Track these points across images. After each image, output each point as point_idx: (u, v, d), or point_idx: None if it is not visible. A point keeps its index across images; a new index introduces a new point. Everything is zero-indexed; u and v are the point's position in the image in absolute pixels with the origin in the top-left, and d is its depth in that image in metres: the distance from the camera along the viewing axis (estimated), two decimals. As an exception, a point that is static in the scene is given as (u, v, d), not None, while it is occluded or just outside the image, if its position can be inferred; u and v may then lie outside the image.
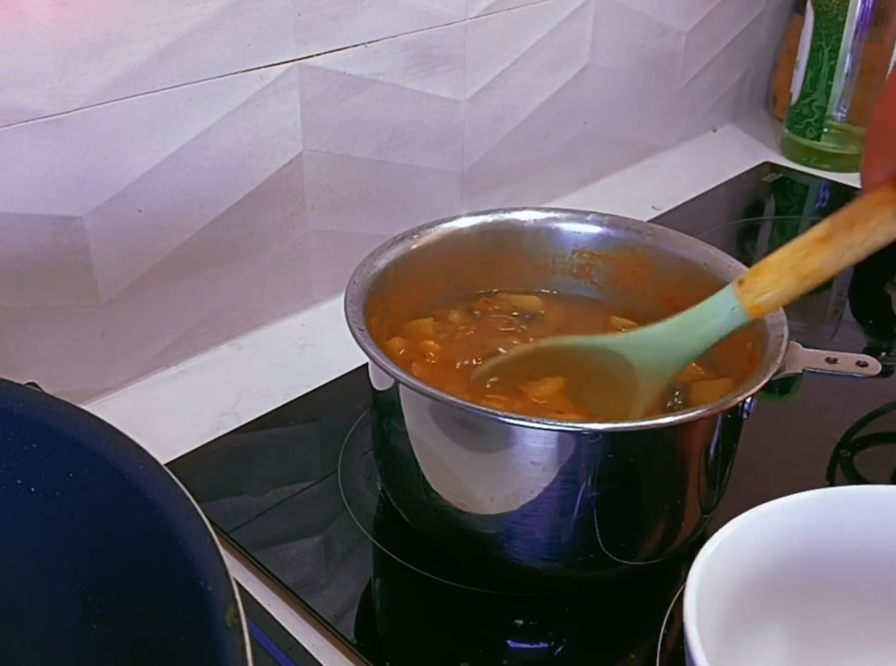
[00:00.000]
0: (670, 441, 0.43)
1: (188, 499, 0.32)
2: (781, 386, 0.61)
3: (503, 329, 0.54)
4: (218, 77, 0.58)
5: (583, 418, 0.46)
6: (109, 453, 0.34)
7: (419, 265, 0.52)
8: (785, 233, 0.88)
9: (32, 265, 0.54)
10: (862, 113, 0.93)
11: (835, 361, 0.47)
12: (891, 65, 0.90)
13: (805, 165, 0.97)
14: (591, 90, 0.86)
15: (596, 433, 0.41)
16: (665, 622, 0.45)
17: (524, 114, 0.81)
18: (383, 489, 0.53)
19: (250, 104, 0.60)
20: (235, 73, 0.59)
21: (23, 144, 0.51)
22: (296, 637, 0.44)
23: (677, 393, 0.48)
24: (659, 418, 0.40)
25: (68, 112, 0.52)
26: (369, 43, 0.65)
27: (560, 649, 0.45)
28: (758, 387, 0.41)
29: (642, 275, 0.54)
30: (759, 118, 1.10)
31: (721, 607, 0.37)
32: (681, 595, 0.38)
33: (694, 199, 0.89)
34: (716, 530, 0.38)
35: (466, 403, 0.40)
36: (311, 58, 0.62)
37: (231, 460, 0.56)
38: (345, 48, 0.64)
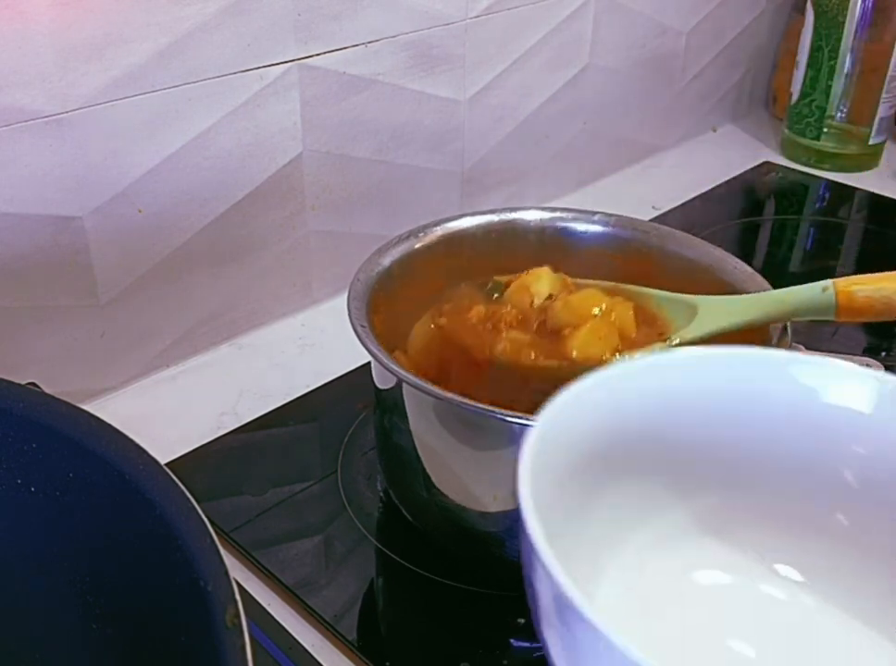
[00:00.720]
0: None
1: (188, 499, 0.32)
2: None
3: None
4: (218, 77, 0.58)
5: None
6: (109, 453, 0.34)
7: (424, 264, 0.52)
8: (785, 233, 0.88)
9: (32, 265, 0.54)
10: (862, 113, 0.93)
11: (836, 361, 0.47)
12: (891, 65, 0.90)
13: (805, 164, 0.97)
14: (591, 90, 0.86)
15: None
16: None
17: (524, 114, 0.81)
18: (385, 488, 0.53)
19: (250, 104, 0.60)
20: (235, 73, 0.59)
21: (23, 144, 0.51)
22: (296, 637, 0.44)
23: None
24: None
25: (67, 112, 0.52)
26: (369, 43, 0.65)
27: (560, 649, 0.45)
28: (758, 386, 0.41)
29: (648, 275, 0.54)
30: (759, 118, 1.10)
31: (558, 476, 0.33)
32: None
33: (694, 199, 0.89)
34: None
35: (469, 402, 0.40)
36: (311, 58, 0.62)
37: (231, 460, 0.56)
38: (345, 48, 0.64)
